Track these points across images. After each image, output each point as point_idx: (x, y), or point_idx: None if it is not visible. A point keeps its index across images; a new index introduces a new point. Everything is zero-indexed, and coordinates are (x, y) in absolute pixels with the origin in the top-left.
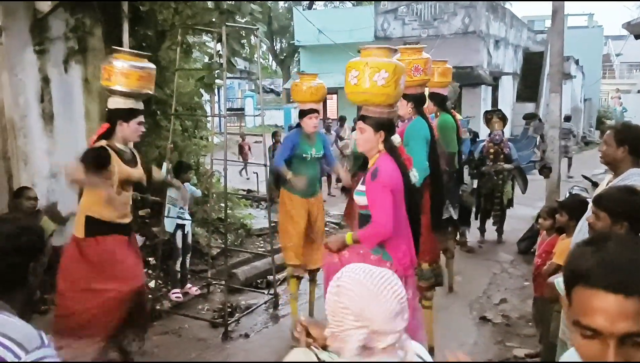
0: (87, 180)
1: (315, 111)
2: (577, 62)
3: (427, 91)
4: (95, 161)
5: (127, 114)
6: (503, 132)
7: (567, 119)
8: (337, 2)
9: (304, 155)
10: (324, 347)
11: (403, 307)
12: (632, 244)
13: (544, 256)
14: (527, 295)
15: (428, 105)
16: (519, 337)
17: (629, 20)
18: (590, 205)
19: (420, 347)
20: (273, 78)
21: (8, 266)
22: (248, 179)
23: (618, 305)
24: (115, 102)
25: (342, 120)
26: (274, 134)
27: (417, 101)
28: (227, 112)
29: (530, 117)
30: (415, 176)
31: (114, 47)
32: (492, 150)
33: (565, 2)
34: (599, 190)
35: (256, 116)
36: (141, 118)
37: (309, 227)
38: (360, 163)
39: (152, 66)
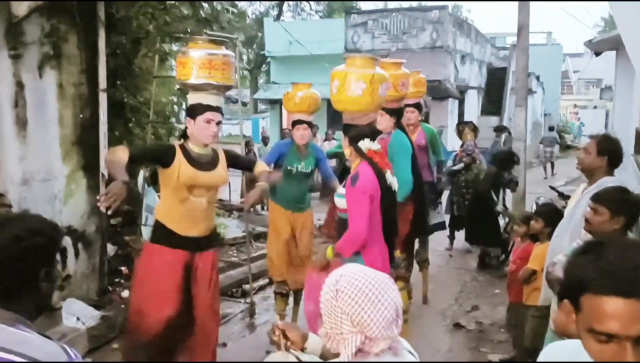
0: (112, 165)
1: (304, 122)
2: (537, 78)
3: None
4: (155, 156)
5: (192, 110)
6: (475, 143)
7: (552, 129)
8: (309, 9)
9: (289, 167)
10: (302, 350)
11: (398, 314)
12: (630, 247)
13: (519, 263)
14: (497, 302)
15: (412, 115)
16: (492, 342)
17: (590, 39)
18: (588, 202)
19: (407, 343)
20: (240, 88)
21: (14, 271)
22: None
23: (630, 308)
24: (189, 98)
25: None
26: (247, 144)
27: (398, 114)
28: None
29: (500, 129)
30: (393, 178)
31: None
32: (464, 160)
33: (530, 17)
34: (575, 197)
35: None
36: (212, 115)
37: (293, 243)
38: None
39: (227, 53)
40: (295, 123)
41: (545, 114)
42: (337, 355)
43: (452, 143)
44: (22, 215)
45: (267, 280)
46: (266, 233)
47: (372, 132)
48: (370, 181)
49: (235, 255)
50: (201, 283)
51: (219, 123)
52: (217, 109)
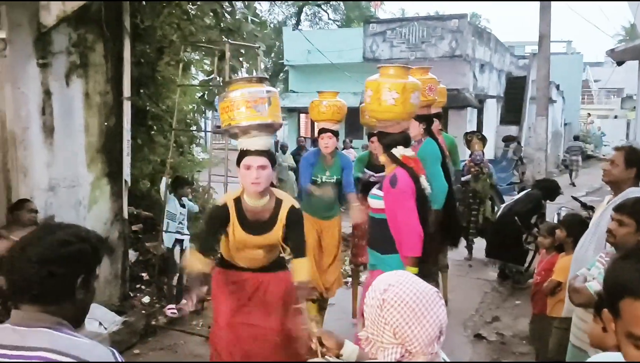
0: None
1: (328, 130)
2: (557, 87)
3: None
4: (216, 230)
5: (238, 158)
6: (483, 153)
7: (576, 138)
8: (327, 18)
9: (313, 178)
10: (338, 356)
11: (442, 332)
12: None
13: (544, 274)
14: (519, 314)
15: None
16: (514, 354)
17: (612, 48)
18: (611, 213)
19: (443, 353)
20: None
21: (54, 275)
22: None
23: None
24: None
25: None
26: None
27: (428, 121)
28: (218, 128)
29: (509, 139)
30: (426, 183)
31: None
32: (472, 170)
33: (551, 26)
34: (600, 208)
35: None
36: (250, 160)
37: (319, 250)
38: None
39: (268, 89)
40: (320, 132)
41: (565, 124)
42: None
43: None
44: (70, 224)
45: None
46: None
47: (405, 140)
48: (408, 183)
49: None
50: (269, 299)
51: (263, 168)
52: (258, 153)
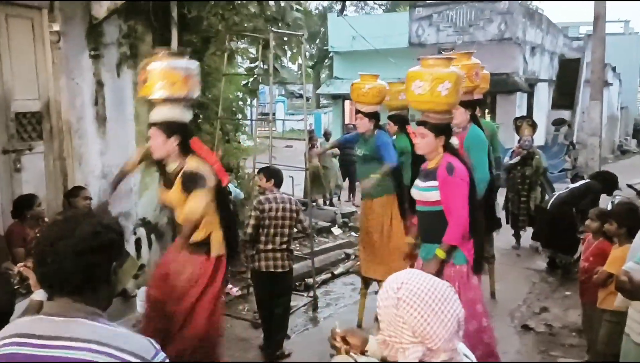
0: None
1: (359, 112)
2: (614, 69)
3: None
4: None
5: None
6: (532, 139)
7: None
8: (373, 2)
9: (356, 150)
10: (363, 353)
11: (460, 326)
12: None
13: (592, 260)
14: (568, 305)
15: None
16: (563, 346)
17: None
18: None
19: (464, 346)
20: (304, 84)
21: (90, 265)
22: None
23: None
24: None
25: None
26: (310, 138)
27: (474, 107)
28: (263, 116)
29: (559, 123)
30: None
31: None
32: (521, 156)
33: (606, 6)
34: None
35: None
36: (149, 132)
37: (370, 232)
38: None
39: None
40: (356, 112)
41: (622, 108)
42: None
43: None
44: (88, 213)
45: (329, 275)
46: (328, 228)
47: (451, 129)
48: (464, 171)
49: (298, 249)
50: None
51: (154, 138)
52: (151, 125)
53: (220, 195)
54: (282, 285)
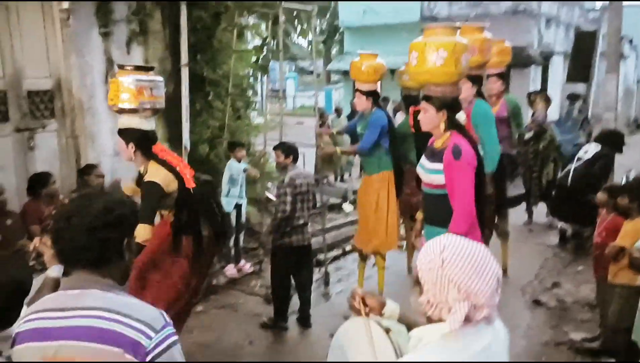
0: None
1: (357, 90)
2: (630, 42)
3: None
4: None
5: None
6: (546, 114)
7: None
8: None
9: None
10: (380, 315)
11: (499, 284)
12: None
13: (604, 235)
14: (581, 280)
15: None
16: (575, 321)
17: None
18: None
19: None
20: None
21: (104, 240)
22: None
23: None
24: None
25: (385, 101)
26: (321, 115)
27: (480, 82)
28: (273, 92)
29: (574, 97)
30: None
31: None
32: (534, 130)
33: None
34: None
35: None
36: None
37: (368, 207)
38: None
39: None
40: (355, 90)
41: (638, 81)
42: (416, 322)
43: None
44: (101, 191)
45: (340, 251)
46: (339, 204)
47: (460, 104)
48: (471, 154)
49: (309, 225)
50: None
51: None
52: (118, 132)
53: (182, 194)
54: (309, 257)
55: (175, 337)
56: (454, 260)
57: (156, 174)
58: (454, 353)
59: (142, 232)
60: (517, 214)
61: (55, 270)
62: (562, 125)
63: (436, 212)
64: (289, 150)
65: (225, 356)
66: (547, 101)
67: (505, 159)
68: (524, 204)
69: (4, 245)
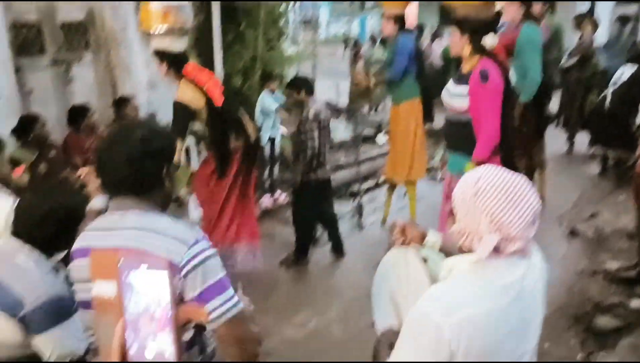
0: None
1: (385, 14)
2: None
3: None
4: None
5: None
6: (593, 39)
7: None
8: None
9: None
10: (422, 246)
11: (536, 217)
12: None
13: None
14: (621, 209)
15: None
16: (612, 251)
17: None
18: None
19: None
20: None
21: (143, 170)
22: None
23: None
24: None
25: (419, 29)
26: (355, 44)
27: (529, 3)
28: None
29: (624, 19)
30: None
31: None
32: (580, 55)
33: None
34: None
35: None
36: None
37: (397, 135)
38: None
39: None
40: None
41: None
42: (459, 250)
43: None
44: (144, 121)
45: (374, 182)
46: (373, 136)
47: (493, 26)
48: (499, 78)
49: (343, 157)
50: None
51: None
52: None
53: (212, 113)
54: (332, 189)
55: (210, 251)
56: (488, 190)
57: (183, 93)
58: (481, 285)
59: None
60: (557, 145)
61: (98, 201)
62: (610, 49)
63: (459, 138)
64: (302, 85)
65: (262, 284)
66: (595, 25)
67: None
68: (564, 134)
69: (49, 176)
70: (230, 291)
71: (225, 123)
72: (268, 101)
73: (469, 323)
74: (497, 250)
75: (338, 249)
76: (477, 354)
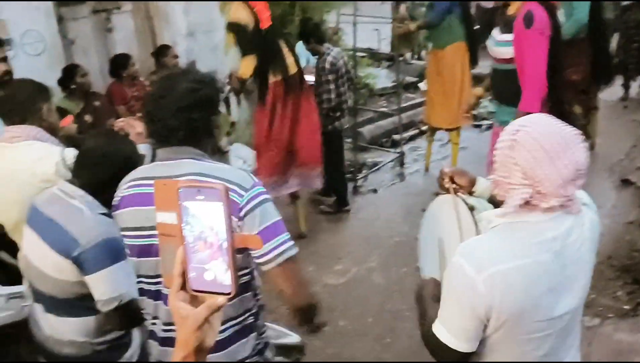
0: None
1: None
2: None
3: None
4: None
5: None
6: None
7: None
8: None
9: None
10: (470, 193)
11: (579, 174)
12: None
13: None
14: None
15: None
16: None
17: None
18: None
19: (585, 195)
20: None
21: (191, 120)
22: None
23: None
24: None
25: None
26: None
27: None
28: None
29: None
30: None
31: None
32: None
33: None
34: None
35: None
36: None
37: (441, 80)
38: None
39: None
40: None
41: None
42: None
43: None
44: (189, 69)
45: (416, 131)
46: (416, 83)
47: None
48: (545, 22)
49: (385, 105)
50: None
51: None
52: None
53: (257, 34)
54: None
55: (266, 195)
56: (525, 142)
57: (236, 12)
58: (515, 240)
59: (243, 66)
60: (611, 90)
61: (142, 148)
62: None
63: (505, 89)
64: (310, 34)
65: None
66: None
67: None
68: (620, 80)
69: (95, 126)
70: (286, 234)
71: (266, 47)
72: (303, 52)
73: (502, 278)
74: (530, 205)
75: (344, 201)
76: (511, 309)
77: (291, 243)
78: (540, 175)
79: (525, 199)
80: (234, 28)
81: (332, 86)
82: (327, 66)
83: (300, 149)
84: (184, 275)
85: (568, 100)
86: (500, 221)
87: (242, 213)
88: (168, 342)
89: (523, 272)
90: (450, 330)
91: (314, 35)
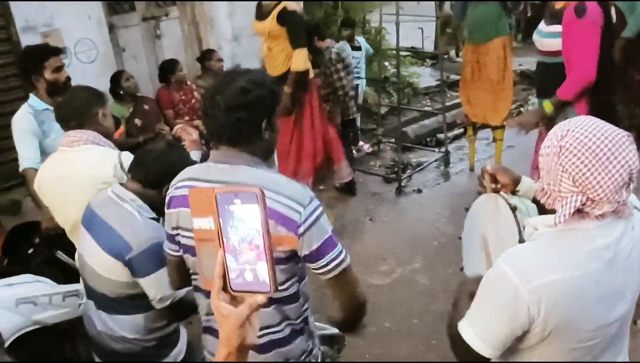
0: None
1: None
2: None
3: None
4: None
5: None
6: None
7: None
8: None
9: None
10: (513, 192)
11: (632, 178)
12: None
13: None
14: None
15: None
16: None
17: None
18: None
19: (636, 199)
20: None
21: (239, 120)
22: None
23: None
24: None
25: None
26: None
27: None
28: None
29: None
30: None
31: None
32: None
33: None
34: None
35: None
36: None
37: (479, 76)
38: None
39: None
40: None
41: None
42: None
43: None
44: (250, 69)
45: (462, 130)
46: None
47: None
48: (598, 13)
49: (429, 104)
50: None
51: None
52: None
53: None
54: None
55: (320, 209)
56: (574, 147)
57: (291, 4)
58: (565, 249)
59: (297, 58)
60: None
61: (194, 156)
62: None
63: (550, 84)
64: (310, 32)
65: (347, 231)
66: None
67: None
68: None
69: (145, 130)
70: (340, 245)
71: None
72: (347, 50)
73: (550, 290)
74: (581, 213)
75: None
76: (559, 321)
77: (345, 252)
78: (591, 181)
79: (576, 207)
80: (292, 17)
81: (342, 74)
82: (334, 56)
83: (324, 147)
84: (224, 276)
85: (635, 100)
86: (548, 230)
87: (300, 230)
88: None
89: (572, 284)
90: (478, 333)
91: (318, 33)
